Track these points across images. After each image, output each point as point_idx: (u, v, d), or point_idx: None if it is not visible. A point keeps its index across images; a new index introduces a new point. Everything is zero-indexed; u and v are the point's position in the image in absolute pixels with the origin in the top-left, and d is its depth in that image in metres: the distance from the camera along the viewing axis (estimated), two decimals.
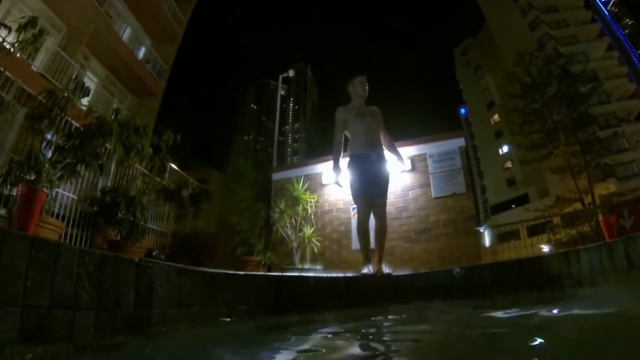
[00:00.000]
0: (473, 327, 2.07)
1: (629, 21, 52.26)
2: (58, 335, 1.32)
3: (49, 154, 4.59)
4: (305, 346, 1.73)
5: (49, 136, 4.95)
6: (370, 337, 2.01)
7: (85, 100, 11.39)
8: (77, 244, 5.77)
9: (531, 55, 24.61)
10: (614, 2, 54.95)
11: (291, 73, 18.82)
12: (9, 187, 4.29)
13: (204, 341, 1.78)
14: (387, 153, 4.49)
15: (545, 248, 15.66)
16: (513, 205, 39.95)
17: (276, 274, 3.56)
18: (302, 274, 4.68)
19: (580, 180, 20.92)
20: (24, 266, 1.27)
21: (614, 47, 42.05)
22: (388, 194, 4.38)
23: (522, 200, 38.09)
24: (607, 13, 52.92)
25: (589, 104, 23.27)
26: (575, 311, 2.09)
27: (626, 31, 49.22)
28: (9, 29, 5.00)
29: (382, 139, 4.52)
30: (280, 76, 17.90)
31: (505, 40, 43.55)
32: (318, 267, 6.72)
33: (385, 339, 1.95)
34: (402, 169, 4.62)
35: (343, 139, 4.50)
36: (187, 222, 8.19)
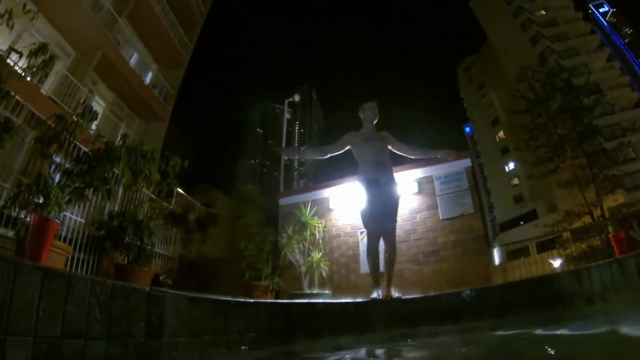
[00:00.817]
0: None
1: (628, 30, 52.62)
2: None
3: (57, 178, 4.64)
4: None
5: (57, 159, 5.01)
6: None
7: (93, 125, 11.55)
8: (84, 268, 5.78)
9: (533, 70, 24.70)
10: (612, 12, 55.41)
11: (297, 97, 19.09)
12: (17, 210, 4.33)
13: None
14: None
15: (556, 263, 15.45)
16: (522, 222, 39.58)
17: (285, 301, 3.54)
18: (311, 300, 4.63)
19: (588, 193, 20.73)
20: (36, 296, 1.28)
21: (614, 57, 42.27)
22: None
23: (530, 217, 37.74)
24: (606, 24, 53.39)
25: (593, 115, 23.21)
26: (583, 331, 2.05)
27: (626, 40, 49.54)
28: (20, 54, 5.11)
29: (408, 148, 4.52)
30: (286, 101, 18.12)
31: (507, 56, 43.80)
32: (327, 291, 6.65)
33: None
34: (447, 155, 4.51)
35: (333, 150, 4.53)
36: (194, 246, 8.18)
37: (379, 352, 2.28)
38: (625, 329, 1.90)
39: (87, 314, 1.41)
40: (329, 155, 4.57)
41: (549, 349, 1.72)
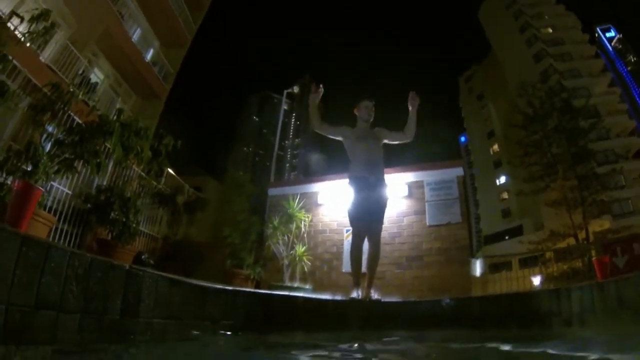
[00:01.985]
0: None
1: (632, 58, 53.04)
2: (41, 336, 1.30)
3: (48, 147, 4.59)
4: None
5: (50, 129, 4.95)
6: None
7: (92, 96, 11.43)
8: (67, 240, 5.72)
9: (534, 86, 24.84)
10: (618, 38, 55.84)
11: (296, 89, 18.97)
12: (4, 175, 4.27)
13: (186, 355, 1.75)
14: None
15: (536, 281, 15.59)
16: (507, 237, 39.84)
17: (265, 291, 3.53)
18: (291, 293, 4.62)
19: (575, 215, 20.93)
20: (12, 264, 1.25)
21: (616, 83, 42.57)
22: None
23: (516, 232, 37.97)
24: (611, 49, 53.78)
25: (589, 139, 23.43)
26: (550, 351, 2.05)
27: (629, 68, 49.94)
28: (22, 19, 5.02)
29: (403, 133, 4.45)
30: (285, 91, 18.01)
31: (509, 70, 43.99)
32: (307, 286, 6.65)
33: None
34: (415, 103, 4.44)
35: (321, 128, 4.51)
36: (180, 228, 8.14)
37: (354, 350, 2.28)
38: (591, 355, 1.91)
39: (64, 286, 1.38)
40: (318, 129, 4.51)
41: None
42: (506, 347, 2.18)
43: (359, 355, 2.18)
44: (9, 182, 4.18)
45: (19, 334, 1.23)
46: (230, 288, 2.50)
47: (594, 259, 6.66)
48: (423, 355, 2.29)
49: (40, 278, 1.33)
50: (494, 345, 2.27)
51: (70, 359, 1.35)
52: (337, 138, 4.53)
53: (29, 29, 4.92)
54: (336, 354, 2.07)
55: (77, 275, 1.44)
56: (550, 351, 2.00)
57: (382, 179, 4.39)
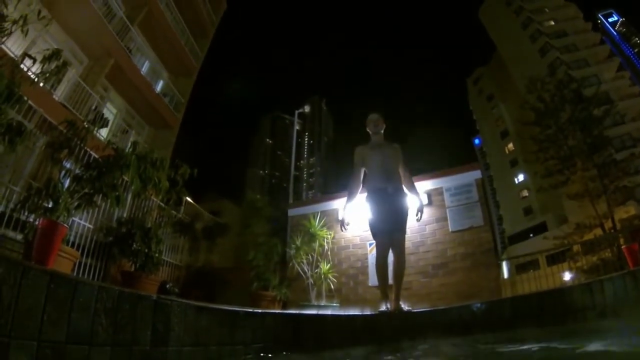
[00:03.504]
0: None
1: (638, 40, 52.28)
2: None
3: (67, 183, 4.67)
4: None
5: (67, 165, 5.04)
6: None
7: (103, 131, 11.67)
8: (92, 274, 5.79)
9: (543, 81, 24.56)
10: (621, 22, 55.16)
11: (307, 108, 19.14)
12: (26, 213, 4.35)
13: None
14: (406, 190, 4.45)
15: (567, 276, 15.21)
16: (531, 235, 39.10)
17: (293, 311, 3.50)
18: (320, 312, 4.57)
19: (599, 205, 20.44)
20: (42, 300, 1.27)
21: (624, 66, 41.97)
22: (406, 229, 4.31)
23: (540, 229, 37.30)
24: (615, 33, 53.12)
25: (603, 126, 22.97)
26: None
27: (636, 50, 49.21)
28: (34, 60, 5.17)
29: (402, 175, 4.45)
30: (296, 112, 18.17)
31: (516, 68, 43.70)
32: (335, 303, 6.58)
33: None
34: (420, 214, 4.42)
35: (361, 177, 4.48)
36: (201, 255, 8.17)
37: None
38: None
39: (93, 320, 1.39)
40: (360, 182, 4.49)
41: None
42: (536, 346, 2.12)
43: None
44: (31, 220, 4.26)
45: None
46: (258, 311, 2.49)
47: (623, 247, 6.47)
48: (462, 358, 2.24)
49: (70, 313, 1.34)
50: (524, 345, 2.22)
51: None
52: (363, 168, 4.48)
53: (42, 69, 5.05)
54: None
55: (106, 308, 1.45)
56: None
57: (401, 189, 4.34)
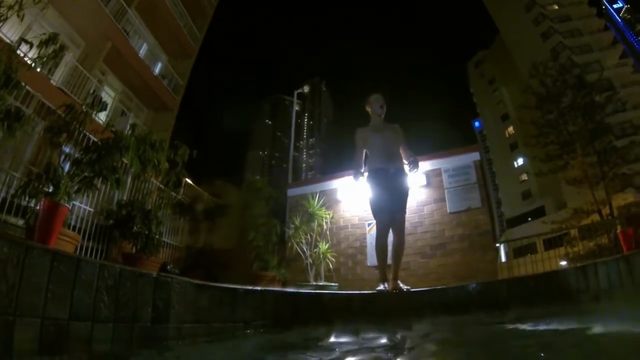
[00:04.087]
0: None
1: None
2: (76, 346, 1.34)
3: (67, 167, 4.68)
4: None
5: (67, 149, 5.04)
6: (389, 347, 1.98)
7: (102, 115, 11.63)
8: (93, 256, 5.84)
9: (545, 65, 24.39)
10: (626, 9, 54.57)
11: (306, 89, 19.00)
12: (27, 199, 4.38)
13: (220, 355, 1.78)
14: (406, 167, 4.47)
15: (564, 263, 15.32)
16: (529, 219, 39.32)
17: (293, 290, 3.55)
18: (318, 291, 4.63)
19: (597, 191, 20.53)
20: (45, 279, 1.29)
21: (628, 54, 41.66)
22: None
23: (538, 213, 37.52)
24: (620, 20, 52.59)
25: (605, 113, 22.93)
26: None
27: None
28: (31, 45, 5.13)
29: (402, 152, 4.50)
30: (295, 92, 18.05)
31: (518, 51, 43.32)
32: (333, 284, 6.64)
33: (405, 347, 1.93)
34: (414, 166, 4.48)
35: (363, 157, 4.50)
36: (202, 236, 8.22)
37: (383, 341, 2.28)
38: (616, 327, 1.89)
39: (95, 297, 1.42)
40: (362, 163, 4.51)
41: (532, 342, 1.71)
42: (525, 326, 2.17)
43: (385, 343, 2.18)
44: (32, 205, 4.28)
45: (54, 346, 1.27)
46: (258, 288, 2.53)
47: (618, 232, 6.52)
48: (446, 339, 2.28)
49: (72, 291, 1.37)
50: (516, 325, 2.26)
51: None
52: (365, 149, 4.51)
53: (39, 53, 5.01)
54: (364, 346, 2.08)
55: (107, 286, 1.48)
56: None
57: (402, 169, 4.38)
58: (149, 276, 1.67)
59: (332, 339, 2.22)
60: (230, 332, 2.08)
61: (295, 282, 6.81)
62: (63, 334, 1.32)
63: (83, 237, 5.67)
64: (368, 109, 4.64)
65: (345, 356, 1.79)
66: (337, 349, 1.96)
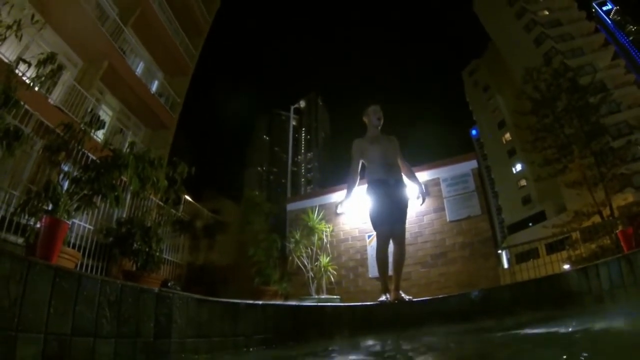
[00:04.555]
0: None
1: (632, 28, 52.37)
2: None
3: (66, 185, 4.69)
4: None
5: (65, 168, 5.07)
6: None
7: (100, 133, 11.69)
8: (93, 274, 5.83)
9: (538, 71, 24.60)
10: (615, 10, 55.21)
11: (302, 104, 19.14)
12: (26, 217, 4.39)
13: None
14: (406, 180, 4.51)
15: (567, 266, 15.28)
16: (530, 224, 39.29)
17: (294, 303, 3.54)
18: (319, 304, 4.64)
19: (597, 192, 20.56)
20: (47, 294, 1.31)
21: (620, 55, 42.07)
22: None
23: (539, 218, 37.48)
24: (610, 22, 53.17)
25: (600, 114, 23.07)
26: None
27: (630, 38, 49.27)
28: (29, 64, 5.19)
29: (401, 166, 4.53)
30: (292, 107, 18.16)
31: (512, 58, 43.78)
32: (335, 296, 6.62)
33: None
34: (422, 198, 4.62)
35: (359, 169, 4.53)
36: (202, 253, 8.21)
37: (386, 350, 2.28)
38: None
39: (97, 312, 1.43)
40: (358, 174, 4.55)
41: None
42: (527, 330, 2.17)
43: (386, 353, 2.18)
44: (31, 224, 4.29)
45: None
46: (259, 302, 2.53)
47: (618, 231, 6.52)
48: (448, 347, 2.28)
49: (75, 307, 1.38)
50: (517, 331, 2.26)
51: None
52: (362, 160, 4.53)
53: (37, 72, 5.07)
54: (365, 357, 2.08)
55: (109, 301, 1.49)
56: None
57: (402, 180, 4.40)
58: (151, 292, 1.68)
59: (333, 352, 2.22)
60: (231, 346, 2.08)
61: (297, 296, 6.78)
62: (66, 350, 1.32)
63: (83, 255, 5.67)
64: (365, 120, 4.67)
65: None
66: None
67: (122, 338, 1.50)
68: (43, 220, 3.79)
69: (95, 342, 1.41)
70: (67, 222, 4.03)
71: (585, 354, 1.36)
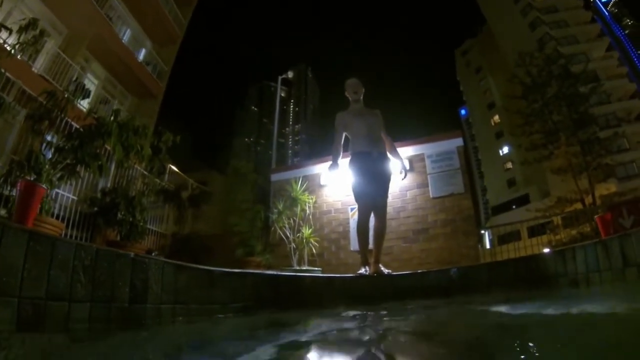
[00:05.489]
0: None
1: (629, 21, 52.43)
2: (53, 326, 1.35)
3: (49, 155, 4.63)
4: (301, 338, 1.75)
5: (49, 137, 4.99)
6: (366, 331, 2.02)
7: (85, 102, 11.48)
8: None
9: (531, 55, 24.61)
10: (614, 2, 55.13)
11: (290, 74, 18.88)
12: (9, 188, 4.33)
13: (198, 334, 1.80)
14: (389, 155, 4.53)
15: (546, 250, 15.60)
16: (514, 206, 39.87)
17: (273, 272, 3.58)
18: (298, 274, 4.69)
19: (581, 180, 20.92)
20: (21, 258, 1.30)
21: (614, 47, 42.14)
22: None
23: (523, 201, 37.99)
24: (607, 13, 53.08)
25: (589, 104, 23.30)
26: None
27: (626, 31, 49.34)
28: (10, 31, 5.04)
29: (386, 141, 4.54)
30: (280, 77, 17.92)
31: (505, 41, 43.61)
32: (317, 268, 6.70)
33: (379, 330, 1.97)
34: (404, 173, 4.65)
35: (342, 141, 4.53)
36: (187, 223, 8.21)
37: (362, 320, 2.33)
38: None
39: (72, 277, 1.43)
40: (341, 147, 4.55)
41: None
42: (502, 308, 2.22)
43: (360, 324, 2.23)
44: (14, 195, 4.25)
45: (31, 325, 1.29)
46: (237, 270, 2.55)
47: (596, 217, 6.65)
48: (417, 320, 2.34)
49: (49, 270, 1.38)
50: (488, 307, 2.32)
51: (83, 345, 1.40)
52: (345, 132, 4.52)
53: (19, 39, 4.92)
54: (346, 327, 2.13)
55: (84, 265, 1.49)
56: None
57: (385, 153, 4.40)
58: (127, 256, 1.69)
59: (308, 320, 2.26)
60: (208, 314, 2.10)
61: (279, 267, 6.85)
62: (40, 313, 1.33)
63: (67, 226, 5.65)
64: (347, 94, 4.66)
65: (317, 337, 1.82)
66: (310, 330, 2.00)
67: (97, 302, 1.51)
68: (18, 184, 3.75)
69: (70, 307, 1.42)
70: (43, 186, 3.99)
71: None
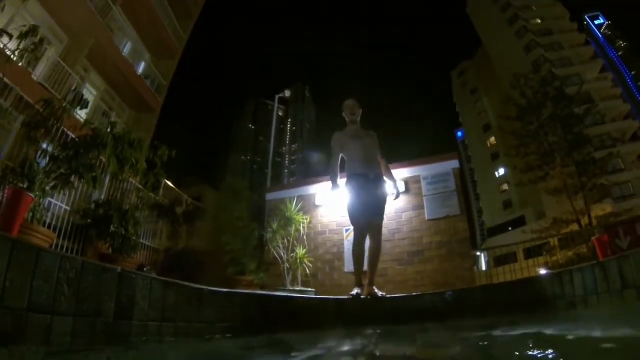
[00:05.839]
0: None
1: (622, 43, 53.43)
2: (35, 339, 1.30)
3: (44, 163, 4.59)
4: None
5: (44, 145, 4.95)
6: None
7: (83, 113, 11.47)
8: None
9: (527, 77, 24.87)
10: (607, 25, 56.25)
11: (287, 93, 19.04)
12: (2, 195, 4.28)
13: (184, 355, 1.75)
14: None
15: (543, 271, 15.53)
16: (510, 228, 39.86)
17: (263, 292, 3.52)
18: (290, 295, 4.62)
19: (576, 201, 20.92)
20: (4, 267, 1.26)
21: (608, 68, 42.84)
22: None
23: (519, 223, 38.05)
24: (600, 36, 54.14)
25: (584, 125, 23.46)
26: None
27: (620, 53, 50.26)
28: (11, 37, 5.05)
29: (382, 164, 4.54)
30: (277, 96, 18.03)
31: (501, 63, 44.24)
32: (310, 289, 6.61)
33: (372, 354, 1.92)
34: (397, 194, 4.65)
35: (339, 162, 4.52)
36: (180, 239, 8.12)
37: (354, 345, 2.27)
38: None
39: (55, 289, 1.39)
40: (338, 168, 4.55)
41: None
42: (499, 332, 2.18)
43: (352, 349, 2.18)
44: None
45: (12, 337, 1.24)
46: (225, 290, 2.49)
47: (593, 239, 6.62)
48: (408, 344, 2.29)
49: (32, 281, 1.33)
50: (485, 332, 2.28)
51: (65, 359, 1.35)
52: (342, 154, 4.51)
53: (19, 45, 4.93)
54: (329, 351, 2.07)
55: (69, 278, 1.45)
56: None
57: (381, 175, 4.40)
58: (113, 271, 1.64)
59: (298, 343, 2.20)
60: (196, 333, 2.05)
61: (273, 287, 6.75)
62: (21, 325, 1.28)
63: (59, 236, 5.57)
64: (344, 115, 4.67)
65: None
66: (301, 354, 1.95)
67: (81, 317, 1.46)
68: (5, 191, 3.70)
69: (52, 319, 1.37)
70: (31, 195, 3.94)
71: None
